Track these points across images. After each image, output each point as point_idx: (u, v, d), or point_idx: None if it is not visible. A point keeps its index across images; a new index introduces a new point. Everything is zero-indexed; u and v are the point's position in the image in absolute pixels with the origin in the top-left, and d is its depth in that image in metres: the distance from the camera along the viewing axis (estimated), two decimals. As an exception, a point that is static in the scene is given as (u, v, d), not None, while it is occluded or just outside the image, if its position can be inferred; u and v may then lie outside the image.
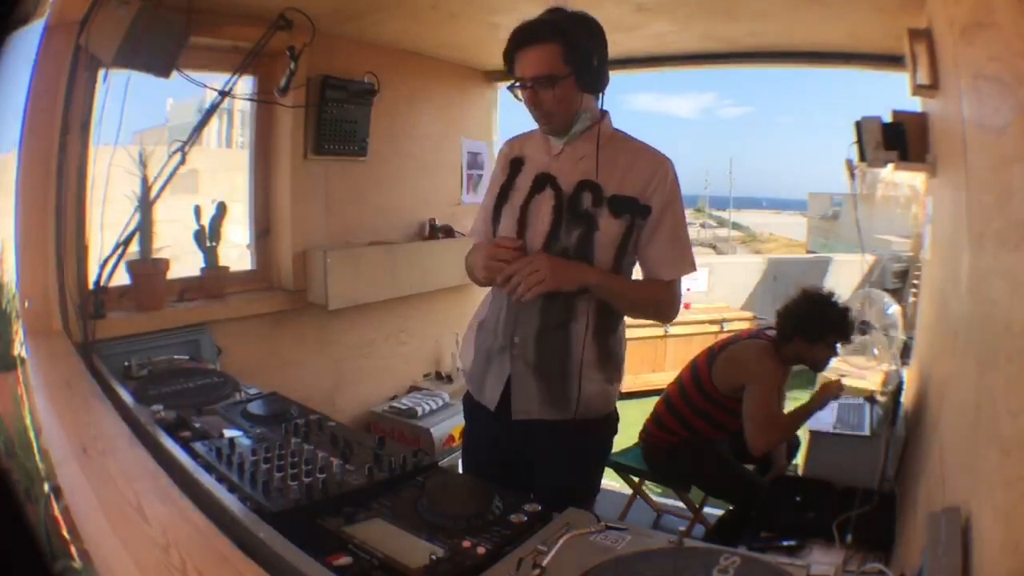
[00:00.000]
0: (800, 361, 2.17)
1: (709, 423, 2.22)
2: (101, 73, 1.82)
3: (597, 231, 1.29)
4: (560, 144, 1.35)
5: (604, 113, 1.36)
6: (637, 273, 1.41)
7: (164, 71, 1.80)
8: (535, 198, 1.34)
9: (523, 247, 1.31)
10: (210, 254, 2.34)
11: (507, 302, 1.35)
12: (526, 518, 1.01)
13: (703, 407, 2.21)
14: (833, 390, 2.14)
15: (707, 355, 2.28)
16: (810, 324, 2.10)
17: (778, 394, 2.15)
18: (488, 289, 1.45)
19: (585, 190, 1.31)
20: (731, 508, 2.26)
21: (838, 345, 2.13)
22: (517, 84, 1.27)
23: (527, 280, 1.22)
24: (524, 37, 1.25)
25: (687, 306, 5.44)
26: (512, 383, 1.35)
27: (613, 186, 1.30)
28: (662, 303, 1.38)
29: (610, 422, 1.43)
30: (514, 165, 1.40)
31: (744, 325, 5.26)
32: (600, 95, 1.34)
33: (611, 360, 1.37)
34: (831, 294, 2.19)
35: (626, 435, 2.79)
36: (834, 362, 3.16)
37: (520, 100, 1.29)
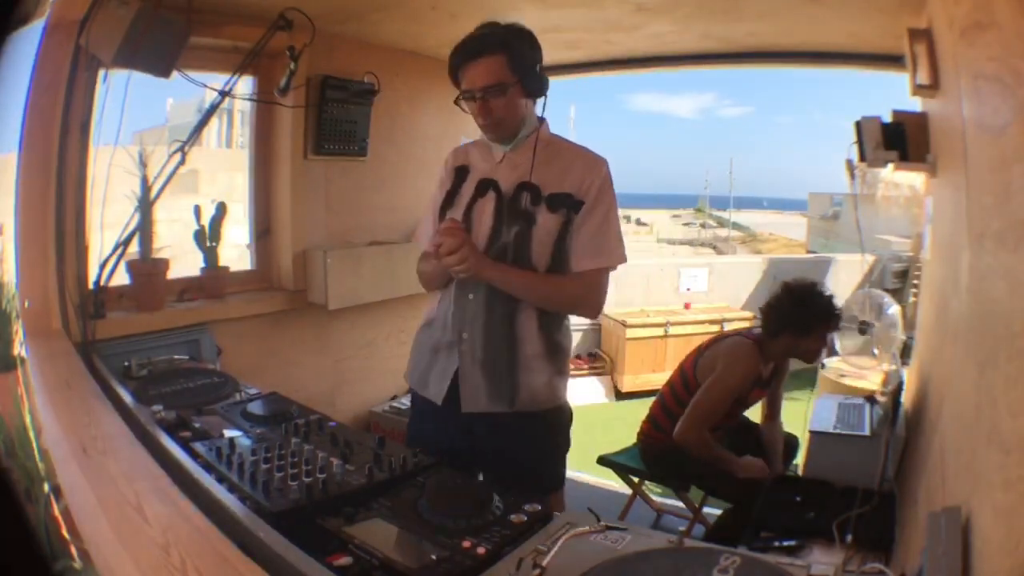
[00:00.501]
0: (791, 355, 2.18)
1: None
2: (101, 73, 1.82)
3: (535, 226, 1.36)
4: (503, 151, 1.42)
5: (542, 120, 1.44)
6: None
7: (164, 71, 1.80)
8: (478, 201, 1.41)
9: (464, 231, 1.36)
10: (210, 254, 2.34)
11: (454, 299, 1.41)
12: (526, 518, 1.01)
13: None
14: (758, 471, 2.13)
15: (695, 354, 2.31)
16: (797, 318, 2.10)
17: (731, 397, 2.14)
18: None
19: (524, 190, 1.38)
20: (730, 507, 2.26)
21: (830, 336, 2.13)
22: (465, 96, 1.35)
23: (457, 256, 1.29)
24: (471, 50, 1.32)
25: (687, 306, 5.44)
26: (460, 377, 1.40)
27: (551, 186, 1.37)
28: (575, 297, 1.41)
29: (561, 413, 1.46)
30: (459, 173, 1.48)
31: (744, 325, 5.25)
32: (543, 100, 1.41)
33: (558, 352, 1.43)
34: (814, 284, 2.19)
35: (626, 435, 2.81)
36: (835, 360, 3.16)
37: (467, 111, 1.37)
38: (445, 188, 1.48)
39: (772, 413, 2.39)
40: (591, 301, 1.43)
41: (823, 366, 3.21)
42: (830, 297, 2.17)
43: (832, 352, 2.16)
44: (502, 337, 1.38)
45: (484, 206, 1.41)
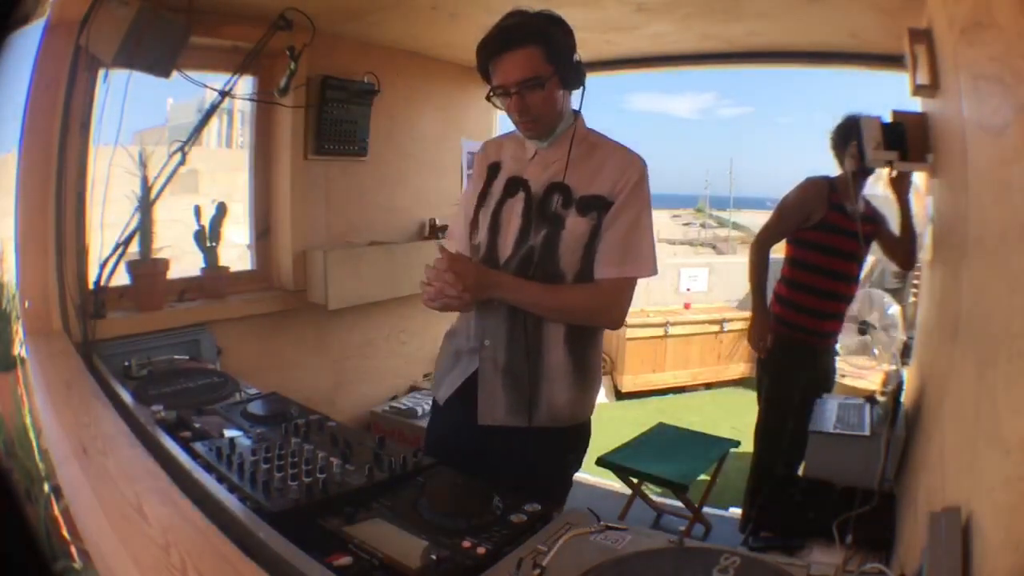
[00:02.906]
0: (847, 184, 2.20)
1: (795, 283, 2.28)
2: (101, 73, 1.83)
3: (563, 230, 1.29)
4: (535, 147, 1.35)
5: (577, 114, 1.35)
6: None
7: (164, 71, 1.80)
8: (507, 202, 1.35)
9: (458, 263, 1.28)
10: (210, 254, 2.34)
11: (478, 306, 1.33)
12: (526, 518, 1.01)
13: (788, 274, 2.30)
14: (754, 331, 2.29)
15: None
16: (838, 139, 2.19)
17: (787, 217, 2.25)
18: None
19: (555, 192, 1.31)
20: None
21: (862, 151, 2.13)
22: (499, 92, 1.26)
23: (446, 291, 1.23)
24: (503, 43, 1.23)
25: (687, 306, 5.44)
26: (479, 384, 1.34)
27: (583, 187, 1.29)
28: (591, 308, 1.31)
29: (580, 433, 1.39)
30: (491, 171, 1.40)
31: (744, 325, 5.26)
32: (581, 91, 1.33)
33: (586, 367, 1.34)
34: (850, 113, 2.20)
35: (626, 435, 2.81)
36: (835, 360, 3.16)
37: (500, 108, 1.29)
38: (478, 187, 1.41)
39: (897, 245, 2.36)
40: (611, 313, 1.33)
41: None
42: (859, 116, 2.16)
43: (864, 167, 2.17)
44: (524, 346, 1.30)
45: (513, 207, 1.33)
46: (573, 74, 1.28)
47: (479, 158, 1.45)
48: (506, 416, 1.32)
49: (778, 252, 2.33)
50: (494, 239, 1.34)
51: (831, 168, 2.26)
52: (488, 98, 1.30)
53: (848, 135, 2.19)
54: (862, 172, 2.19)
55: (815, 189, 2.23)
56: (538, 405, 1.31)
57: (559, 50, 1.24)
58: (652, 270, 1.32)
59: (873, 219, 2.31)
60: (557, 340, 1.31)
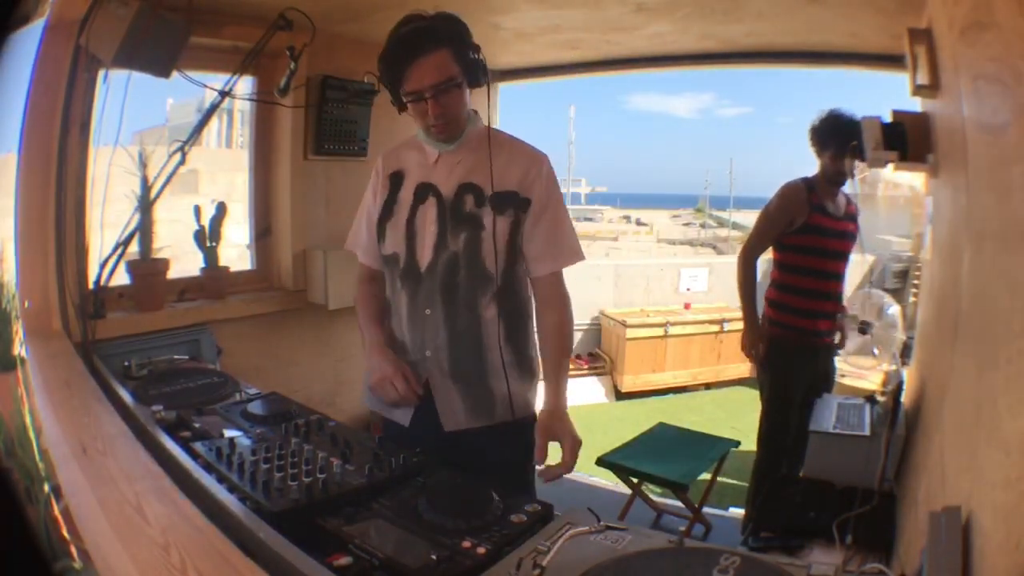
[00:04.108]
0: (829, 182, 2.22)
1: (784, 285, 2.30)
2: (101, 73, 1.83)
3: (483, 231, 1.31)
4: (437, 152, 1.36)
5: (475, 112, 1.37)
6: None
7: (164, 71, 1.80)
8: (419, 209, 1.35)
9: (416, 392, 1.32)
10: (210, 254, 2.34)
11: (408, 318, 1.36)
12: (526, 518, 1.01)
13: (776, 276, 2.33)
14: (745, 336, 2.32)
15: None
16: (815, 135, 2.22)
17: (771, 223, 2.27)
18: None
19: (466, 192, 1.32)
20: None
21: (847, 159, 2.12)
22: (411, 98, 1.26)
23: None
24: (416, 47, 1.22)
25: (687, 306, 5.44)
26: (435, 396, 1.35)
27: (495, 183, 1.31)
28: (567, 316, 1.37)
29: (531, 425, 1.36)
30: (394, 180, 1.40)
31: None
32: (487, 88, 1.32)
33: (527, 361, 1.39)
34: (833, 109, 2.22)
35: (625, 435, 2.81)
36: (836, 360, 3.17)
37: (409, 113, 1.29)
38: (380, 197, 1.41)
39: None
40: (567, 303, 1.39)
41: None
42: (840, 115, 2.18)
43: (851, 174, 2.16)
44: (469, 348, 1.33)
45: (426, 213, 1.34)
46: (479, 73, 1.29)
47: (377, 171, 1.45)
48: (468, 418, 1.35)
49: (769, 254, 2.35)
50: (412, 248, 1.35)
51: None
52: (396, 103, 1.31)
53: (826, 136, 2.19)
54: (839, 174, 2.19)
55: (794, 194, 2.24)
56: (495, 401, 1.34)
57: (465, 51, 1.26)
58: (582, 255, 1.39)
59: (854, 216, 2.32)
60: (494, 339, 1.34)
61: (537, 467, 1.26)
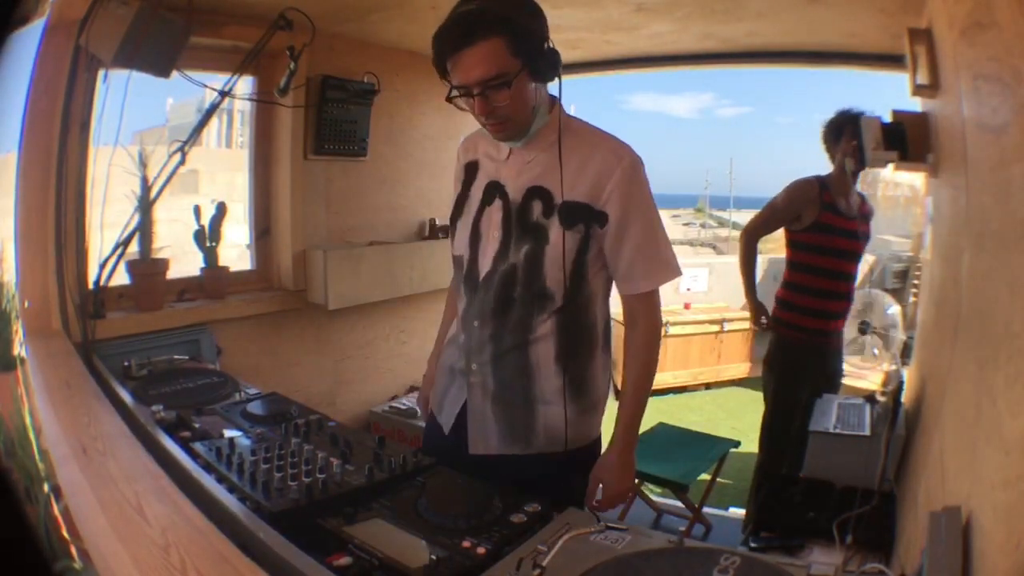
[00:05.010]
0: (843, 175, 2.23)
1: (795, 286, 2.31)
2: (101, 73, 1.82)
3: (547, 244, 1.16)
4: (510, 146, 1.21)
5: (554, 101, 1.20)
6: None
7: (164, 71, 1.80)
8: (486, 210, 1.23)
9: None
10: (210, 254, 2.34)
11: (462, 325, 1.27)
12: (526, 518, 1.01)
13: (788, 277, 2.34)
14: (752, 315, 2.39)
15: None
16: (829, 134, 2.25)
17: (776, 210, 2.29)
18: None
19: (534, 198, 1.18)
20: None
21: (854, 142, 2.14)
22: (460, 93, 1.09)
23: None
24: (460, 36, 1.05)
25: (687, 306, 5.44)
26: (468, 413, 1.25)
27: (565, 191, 1.16)
28: (654, 341, 1.25)
29: (586, 456, 1.28)
30: (469, 171, 1.29)
31: (744, 325, 5.26)
32: (559, 83, 1.16)
33: (585, 385, 1.25)
34: (842, 109, 2.25)
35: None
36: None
37: (465, 109, 1.12)
38: (456, 190, 1.30)
39: None
40: (658, 326, 1.25)
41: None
42: (851, 109, 2.21)
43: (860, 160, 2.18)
44: (514, 371, 1.21)
45: (492, 216, 1.21)
46: (545, 64, 1.10)
47: (458, 156, 1.33)
48: (500, 444, 1.24)
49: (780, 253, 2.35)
50: (475, 253, 1.24)
51: (830, 167, 2.27)
52: (449, 99, 1.12)
53: (841, 131, 2.20)
54: (856, 169, 2.20)
55: (803, 191, 2.24)
56: (535, 430, 1.22)
57: (527, 39, 1.07)
58: (678, 270, 1.23)
59: (868, 217, 2.32)
60: (548, 359, 1.21)
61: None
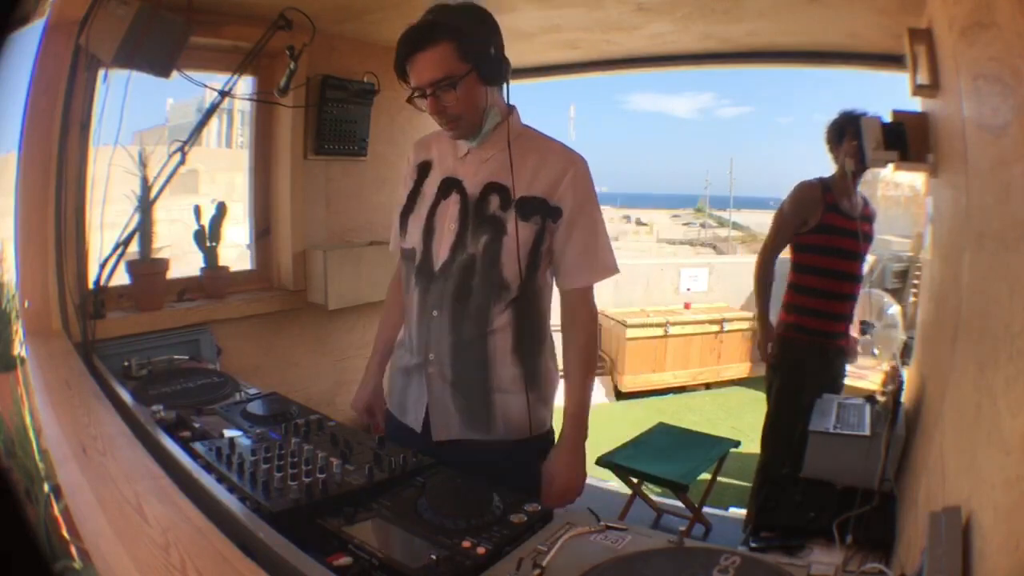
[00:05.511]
0: (845, 176, 2.23)
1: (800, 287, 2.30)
2: (101, 73, 1.83)
3: (505, 236, 1.24)
4: (468, 146, 1.29)
5: (511, 108, 1.30)
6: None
7: (164, 71, 1.80)
8: (441, 204, 1.29)
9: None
10: (210, 254, 2.34)
11: (417, 316, 1.31)
12: (526, 518, 1.01)
13: (793, 278, 2.33)
14: (763, 344, 2.33)
15: None
16: (832, 135, 2.26)
17: (785, 223, 2.28)
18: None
19: (492, 192, 1.26)
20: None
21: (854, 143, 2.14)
22: (416, 94, 1.20)
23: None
24: (412, 43, 1.17)
25: (687, 306, 5.44)
26: (430, 403, 1.31)
27: (522, 187, 1.24)
28: (589, 333, 1.31)
29: (543, 444, 1.33)
30: (421, 170, 1.35)
31: (744, 325, 5.26)
32: (505, 87, 1.27)
33: (540, 375, 1.31)
34: (844, 110, 2.25)
35: (625, 435, 2.81)
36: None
37: (422, 110, 1.23)
38: (406, 187, 1.36)
39: None
40: (595, 320, 1.33)
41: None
42: (853, 110, 2.22)
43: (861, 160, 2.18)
44: (473, 359, 1.27)
45: (447, 209, 1.28)
46: (493, 69, 1.21)
47: (410, 158, 1.40)
48: (461, 430, 1.29)
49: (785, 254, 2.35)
50: (429, 245, 1.29)
51: (831, 167, 2.27)
52: (410, 100, 1.23)
53: (843, 132, 2.20)
54: (858, 170, 2.20)
55: (808, 193, 2.25)
56: (494, 417, 1.28)
57: (475, 45, 1.18)
58: (617, 269, 1.33)
59: (871, 218, 2.32)
60: (505, 350, 1.27)
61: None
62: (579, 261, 1.28)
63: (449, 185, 1.30)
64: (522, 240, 1.23)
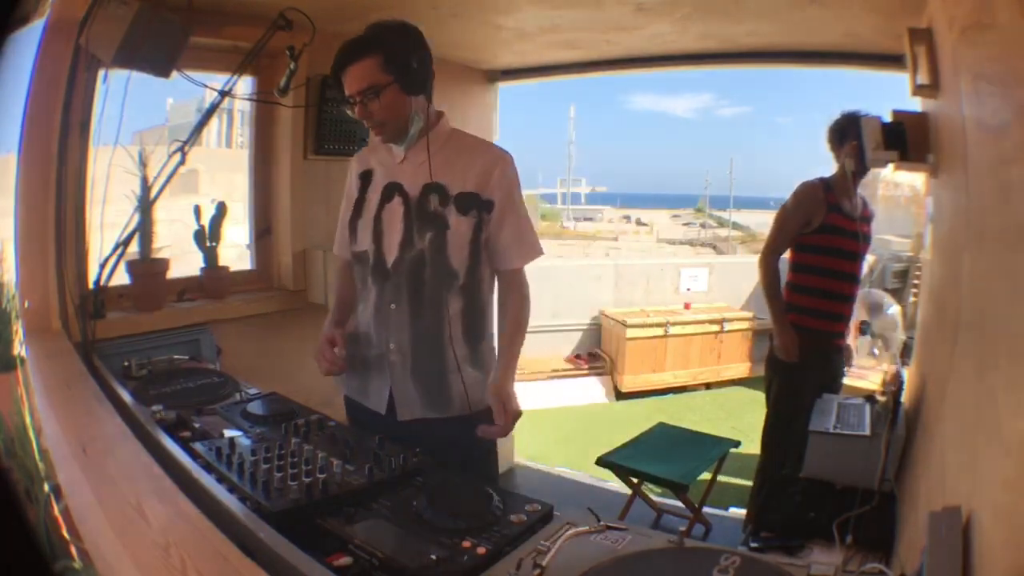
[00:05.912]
0: (846, 177, 2.23)
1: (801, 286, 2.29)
2: (101, 73, 1.83)
3: (448, 230, 1.37)
4: (402, 151, 1.41)
5: (440, 114, 1.44)
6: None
7: (164, 71, 1.80)
8: (386, 207, 1.41)
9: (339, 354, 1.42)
10: (210, 254, 2.34)
11: (375, 310, 1.43)
12: (526, 518, 1.01)
13: (791, 278, 2.32)
14: (785, 347, 2.26)
15: None
16: (834, 135, 2.25)
17: (787, 223, 2.27)
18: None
19: (431, 192, 1.38)
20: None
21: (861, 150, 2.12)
22: (348, 102, 1.35)
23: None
24: (343, 56, 1.33)
25: (687, 306, 5.44)
26: (393, 387, 1.43)
27: (457, 184, 1.38)
28: (522, 306, 1.45)
29: (486, 419, 1.41)
30: (364, 179, 1.47)
31: (744, 325, 5.26)
32: (428, 96, 1.40)
33: (483, 354, 1.45)
34: (846, 110, 2.25)
35: (625, 435, 2.81)
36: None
37: (355, 116, 1.36)
38: (353, 197, 1.48)
39: None
40: (527, 291, 1.46)
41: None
42: (856, 111, 2.20)
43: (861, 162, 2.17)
44: (432, 346, 1.40)
45: (393, 211, 1.40)
46: (413, 80, 1.35)
47: (351, 170, 1.51)
48: (423, 409, 1.42)
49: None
50: (379, 246, 1.41)
51: (831, 167, 2.27)
52: (344, 107, 1.38)
53: (845, 133, 2.20)
54: (859, 171, 2.20)
55: (811, 193, 2.24)
56: (450, 396, 1.41)
57: (398, 59, 1.32)
58: (541, 250, 1.48)
59: (870, 219, 2.32)
60: (457, 335, 1.41)
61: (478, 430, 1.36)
62: (511, 245, 1.43)
63: (391, 189, 1.42)
64: (463, 232, 1.38)
